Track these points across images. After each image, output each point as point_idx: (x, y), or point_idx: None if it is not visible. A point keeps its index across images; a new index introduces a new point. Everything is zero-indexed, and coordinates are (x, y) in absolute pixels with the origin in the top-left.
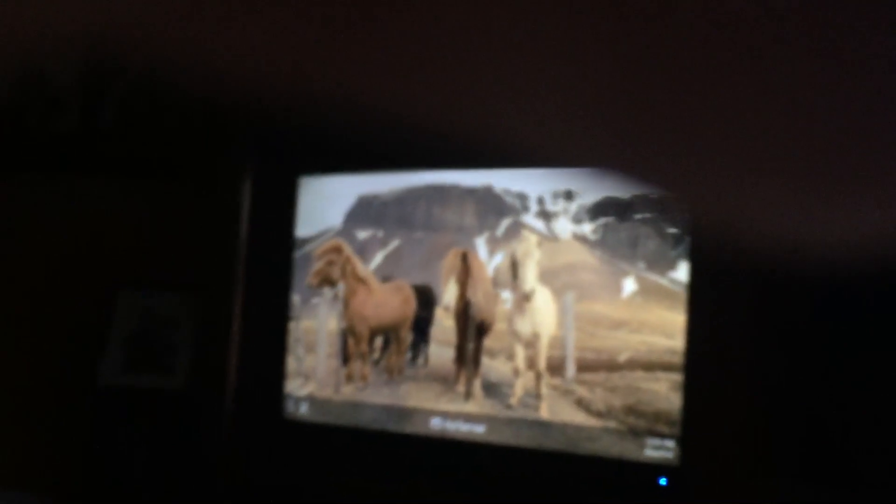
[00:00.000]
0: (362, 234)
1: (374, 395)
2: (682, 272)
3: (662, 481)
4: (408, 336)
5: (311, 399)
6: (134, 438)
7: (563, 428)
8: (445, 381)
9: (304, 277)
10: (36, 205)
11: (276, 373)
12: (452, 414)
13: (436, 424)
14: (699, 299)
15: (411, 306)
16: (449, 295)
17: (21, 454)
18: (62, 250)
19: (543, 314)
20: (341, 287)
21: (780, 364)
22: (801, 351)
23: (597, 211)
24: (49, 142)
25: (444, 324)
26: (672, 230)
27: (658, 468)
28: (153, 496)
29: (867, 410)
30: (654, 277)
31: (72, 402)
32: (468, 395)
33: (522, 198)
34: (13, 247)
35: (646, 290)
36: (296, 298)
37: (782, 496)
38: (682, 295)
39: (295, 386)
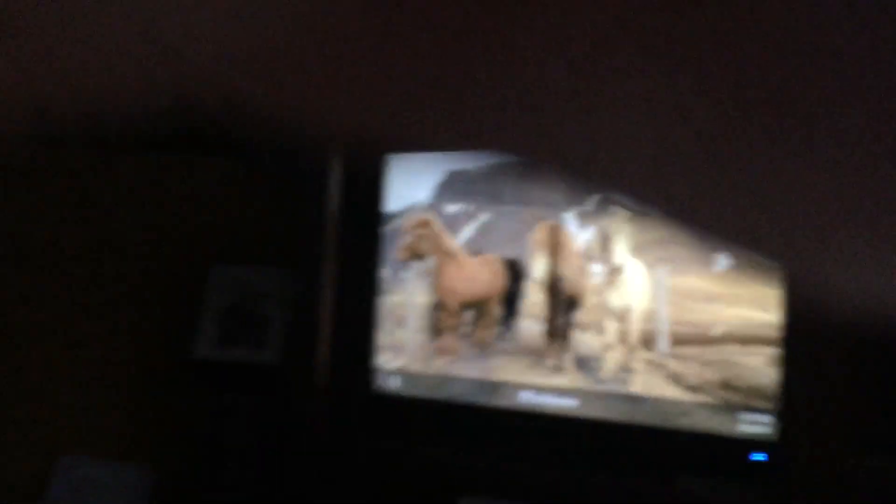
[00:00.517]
0: (451, 208)
1: (464, 368)
2: None
3: (757, 457)
4: (497, 310)
5: (401, 373)
6: (228, 410)
7: (655, 402)
8: (535, 355)
9: (393, 252)
10: (133, 181)
11: (367, 347)
12: (542, 388)
13: (525, 398)
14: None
15: (501, 280)
16: (538, 269)
17: (119, 426)
18: (158, 226)
19: (635, 288)
20: (430, 261)
21: (882, 336)
22: None
23: None
24: (145, 119)
25: (533, 298)
26: None
27: (753, 444)
28: (246, 466)
29: None
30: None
31: (168, 375)
32: (558, 368)
33: None
34: (111, 223)
35: (741, 264)
36: (385, 273)
37: (882, 473)
38: (779, 267)
39: (385, 360)
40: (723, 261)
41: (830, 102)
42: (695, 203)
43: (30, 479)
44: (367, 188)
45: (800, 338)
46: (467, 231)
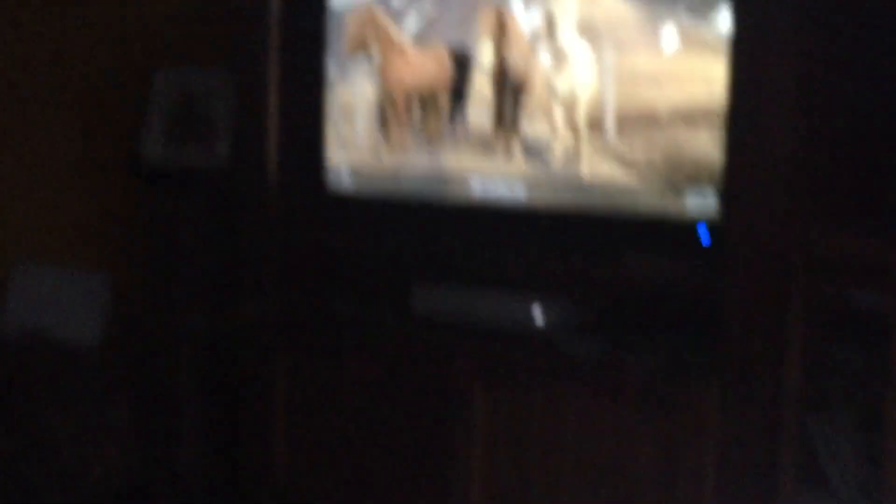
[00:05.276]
0: (396, 0)
1: (415, 160)
2: (724, 17)
3: (703, 234)
4: (445, 100)
5: (353, 170)
6: (181, 214)
7: (603, 187)
8: (485, 144)
9: (338, 46)
10: None
11: (317, 144)
12: (492, 174)
13: (476, 186)
14: (742, 48)
15: (447, 70)
16: (485, 56)
17: (74, 233)
18: (100, 29)
19: (581, 71)
20: (376, 53)
21: (825, 112)
22: (848, 100)
23: None
24: None
25: (481, 86)
26: None
27: (699, 221)
28: (201, 269)
29: None
30: (695, 25)
31: (119, 181)
32: (508, 155)
33: None
34: (54, 27)
35: (686, 42)
36: (332, 67)
37: (825, 246)
38: (724, 45)
39: (336, 157)
40: (669, 39)
41: None
42: None
43: None
44: None
45: (746, 116)
46: (412, 21)
